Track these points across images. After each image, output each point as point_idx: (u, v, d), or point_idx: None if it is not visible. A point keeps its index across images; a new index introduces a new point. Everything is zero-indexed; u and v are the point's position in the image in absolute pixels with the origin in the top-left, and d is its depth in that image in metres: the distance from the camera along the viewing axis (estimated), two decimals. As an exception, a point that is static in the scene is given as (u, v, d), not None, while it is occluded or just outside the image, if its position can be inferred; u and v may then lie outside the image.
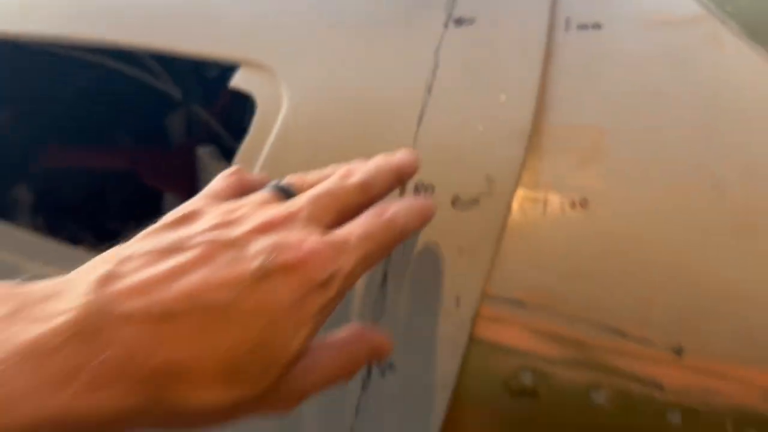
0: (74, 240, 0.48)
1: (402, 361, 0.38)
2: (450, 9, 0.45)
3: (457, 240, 0.37)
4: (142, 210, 0.66)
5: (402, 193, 0.38)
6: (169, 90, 0.71)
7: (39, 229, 0.66)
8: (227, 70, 0.47)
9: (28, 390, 0.19)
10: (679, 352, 0.34)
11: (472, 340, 0.36)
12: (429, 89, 0.41)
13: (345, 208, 0.28)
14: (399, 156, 0.32)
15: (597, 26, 0.44)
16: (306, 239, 0.24)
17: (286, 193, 0.29)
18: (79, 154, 0.68)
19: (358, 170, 0.30)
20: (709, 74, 0.40)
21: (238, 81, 0.46)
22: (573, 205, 0.36)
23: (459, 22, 0.45)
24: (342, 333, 0.28)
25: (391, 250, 0.29)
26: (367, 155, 0.37)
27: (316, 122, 0.42)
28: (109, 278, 0.22)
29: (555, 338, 0.35)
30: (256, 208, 0.26)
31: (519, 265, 0.36)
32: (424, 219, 0.30)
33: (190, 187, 0.71)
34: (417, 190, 0.38)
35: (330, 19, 0.47)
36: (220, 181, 0.31)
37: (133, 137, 0.75)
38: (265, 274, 0.23)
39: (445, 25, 0.45)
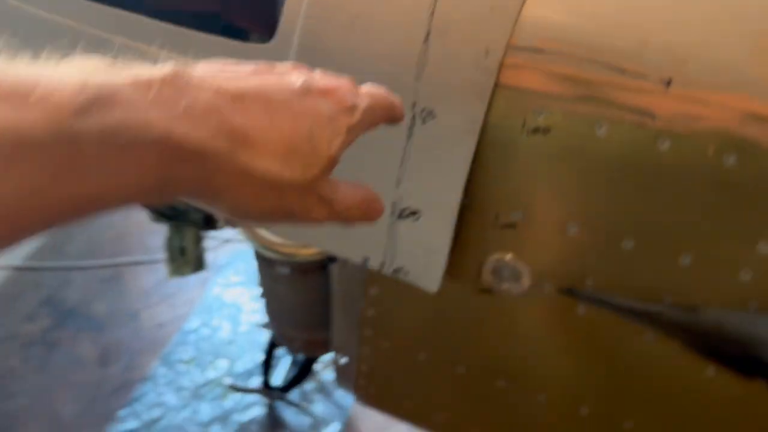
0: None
1: (440, 108, 0.46)
2: None
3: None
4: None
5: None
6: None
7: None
8: None
9: (141, 108, 0.24)
10: (668, 83, 0.40)
11: (497, 85, 0.44)
12: None
13: None
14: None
15: None
16: (330, 78, 0.33)
17: None
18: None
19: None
20: None
21: None
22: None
23: None
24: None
25: (381, 118, 0.36)
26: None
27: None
28: (184, 69, 0.27)
29: (566, 79, 0.42)
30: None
31: (539, 18, 0.43)
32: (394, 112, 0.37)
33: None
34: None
35: None
36: None
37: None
38: (307, 91, 0.30)
39: None
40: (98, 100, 0.23)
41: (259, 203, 0.30)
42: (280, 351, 1.44)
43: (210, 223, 1.01)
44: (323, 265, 0.74)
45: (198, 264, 1.08)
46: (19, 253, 2.04)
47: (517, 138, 0.45)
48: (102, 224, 2.19)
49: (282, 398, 1.53)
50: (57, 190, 0.23)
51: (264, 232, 0.75)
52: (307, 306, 0.82)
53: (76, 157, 0.23)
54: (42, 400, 1.60)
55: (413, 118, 0.47)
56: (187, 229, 0.99)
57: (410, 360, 0.69)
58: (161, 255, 2.09)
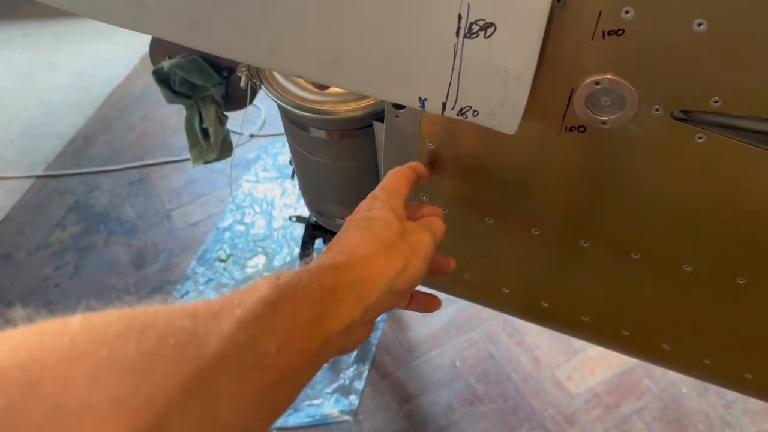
0: None
1: None
2: None
3: None
4: None
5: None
6: None
7: None
8: None
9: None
10: None
11: None
12: None
13: None
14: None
15: None
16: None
17: None
18: None
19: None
20: None
21: None
22: None
23: None
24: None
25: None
26: None
27: None
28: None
29: None
30: None
31: None
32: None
33: None
34: None
35: None
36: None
37: None
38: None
39: None
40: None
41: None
42: (317, 242, 1.37)
43: (230, 100, 0.90)
44: (365, 125, 0.63)
45: (223, 149, 0.98)
46: (40, 161, 1.98)
47: None
48: (122, 127, 2.11)
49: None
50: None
51: (295, 89, 0.64)
52: (348, 177, 0.72)
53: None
54: (80, 306, 1.58)
55: None
56: (206, 108, 0.88)
57: (474, 227, 0.60)
58: (187, 154, 2.02)
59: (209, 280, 1.60)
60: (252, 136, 2.03)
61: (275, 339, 0.31)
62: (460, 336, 1.47)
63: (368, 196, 0.48)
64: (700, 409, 1.32)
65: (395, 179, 0.50)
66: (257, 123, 2.06)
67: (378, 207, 0.46)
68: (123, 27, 0.54)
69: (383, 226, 0.44)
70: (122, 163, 1.97)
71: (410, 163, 0.53)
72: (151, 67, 0.90)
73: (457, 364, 1.42)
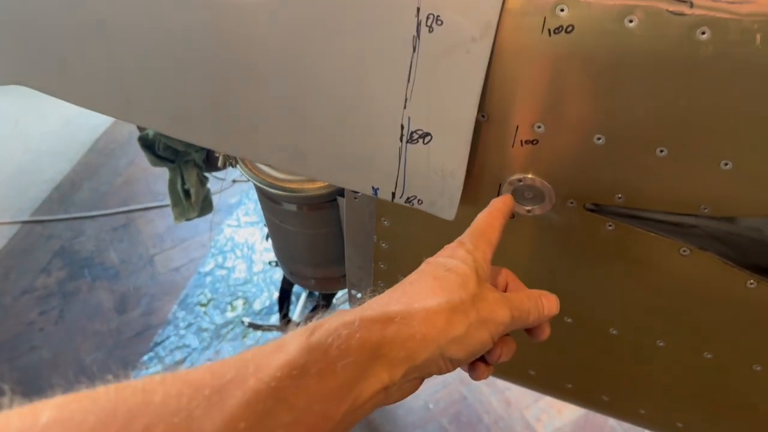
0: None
1: (448, 12, 0.41)
2: None
3: None
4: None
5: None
6: None
7: None
8: None
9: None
10: (709, -38, 0.35)
11: (510, -20, 0.39)
12: None
13: None
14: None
15: None
16: None
17: None
18: None
19: None
20: None
21: None
22: None
23: None
24: None
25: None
26: None
27: None
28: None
29: (589, -33, 0.37)
30: None
31: None
32: None
33: None
34: None
35: None
36: None
37: None
38: None
39: None
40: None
41: None
42: (295, 287, 1.43)
43: (211, 163, 0.97)
44: (331, 199, 0.71)
45: (204, 206, 1.05)
46: (26, 207, 2.02)
47: (537, 40, 0.40)
48: (108, 172, 2.16)
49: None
50: None
51: (267, 169, 0.72)
52: (317, 243, 0.79)
53: None
54: (64, 351, 1.62)
55: (418, 25, 0.42)
56: (188, 170, 0.95)
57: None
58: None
59: (189, 325, 1.65)
60: (234, 181, 2.10)
61: (290, 412, 0.28)
62: (433, 378, 1.52)
63: (456, 240, 0.43)
64: (661, 448, 1.37)
65: (485, 223, 0.44)
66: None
67: (460, 257, 0.40)
68: (112, 117, 0.60)
69: (458, 282, 0.38)
70: (107, 209, 2.02)
71: (499, 203, 0.46)
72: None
73: (431, 406, 1.47)
